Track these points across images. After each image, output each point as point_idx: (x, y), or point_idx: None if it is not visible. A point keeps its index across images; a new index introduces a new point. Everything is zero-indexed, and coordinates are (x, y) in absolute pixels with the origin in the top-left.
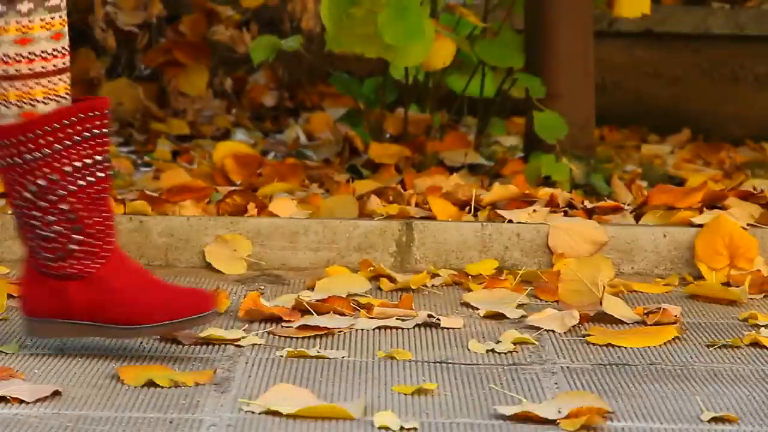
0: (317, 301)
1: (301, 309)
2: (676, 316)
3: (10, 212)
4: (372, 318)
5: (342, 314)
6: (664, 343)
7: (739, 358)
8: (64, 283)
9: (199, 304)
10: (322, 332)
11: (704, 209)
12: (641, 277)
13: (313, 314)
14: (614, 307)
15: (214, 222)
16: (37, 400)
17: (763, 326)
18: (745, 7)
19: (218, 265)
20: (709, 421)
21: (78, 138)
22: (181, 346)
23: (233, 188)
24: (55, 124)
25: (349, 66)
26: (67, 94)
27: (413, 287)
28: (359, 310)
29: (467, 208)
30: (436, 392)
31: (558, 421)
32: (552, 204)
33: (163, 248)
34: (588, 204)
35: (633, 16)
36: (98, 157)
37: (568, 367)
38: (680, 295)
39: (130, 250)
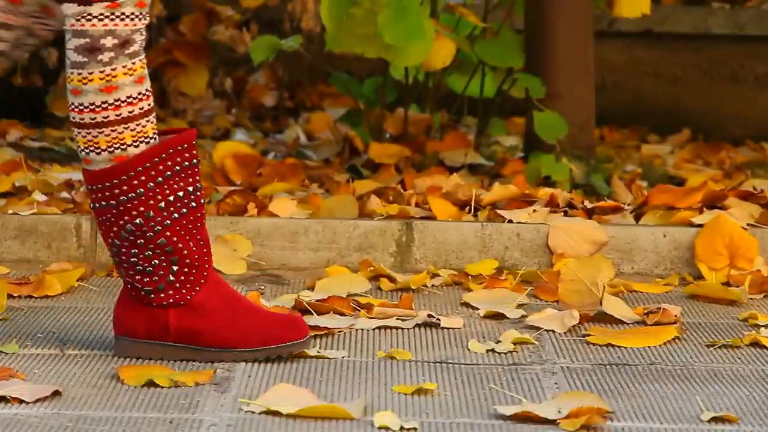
0: (317, 301)
1: (301, 309)
2: (676, 316)
3: (10, 212)
4: (372, 318)
5: (342, 314)
6: (664, 343)
7: (739, 358)
8: (165, 310)
9: (295, 331)
10: (322, 332)
11: (704, 209)
12: (641, 277)
13: (313, 314)
14: (614, 307)
15: (214, 222)
16: (37, 400)
17: (763, 326)
18: (745, 7)
19: (218, 265)
20: (709, 421)
21: (169, 173)
22: None
23: (233, 188)
24: (147, 164)
25: (349, 66)
26: (154, 134)
27: (413, 287)
28: (359, 310)
29: (467, 208)
30: (436, 392)
31: (558, 421)
32: (552, 204)
33: None
34: (588, 204)
35: (633, 16)
36: (190, 188)
37: (568, 367)
38: (680, 295)
39: None
